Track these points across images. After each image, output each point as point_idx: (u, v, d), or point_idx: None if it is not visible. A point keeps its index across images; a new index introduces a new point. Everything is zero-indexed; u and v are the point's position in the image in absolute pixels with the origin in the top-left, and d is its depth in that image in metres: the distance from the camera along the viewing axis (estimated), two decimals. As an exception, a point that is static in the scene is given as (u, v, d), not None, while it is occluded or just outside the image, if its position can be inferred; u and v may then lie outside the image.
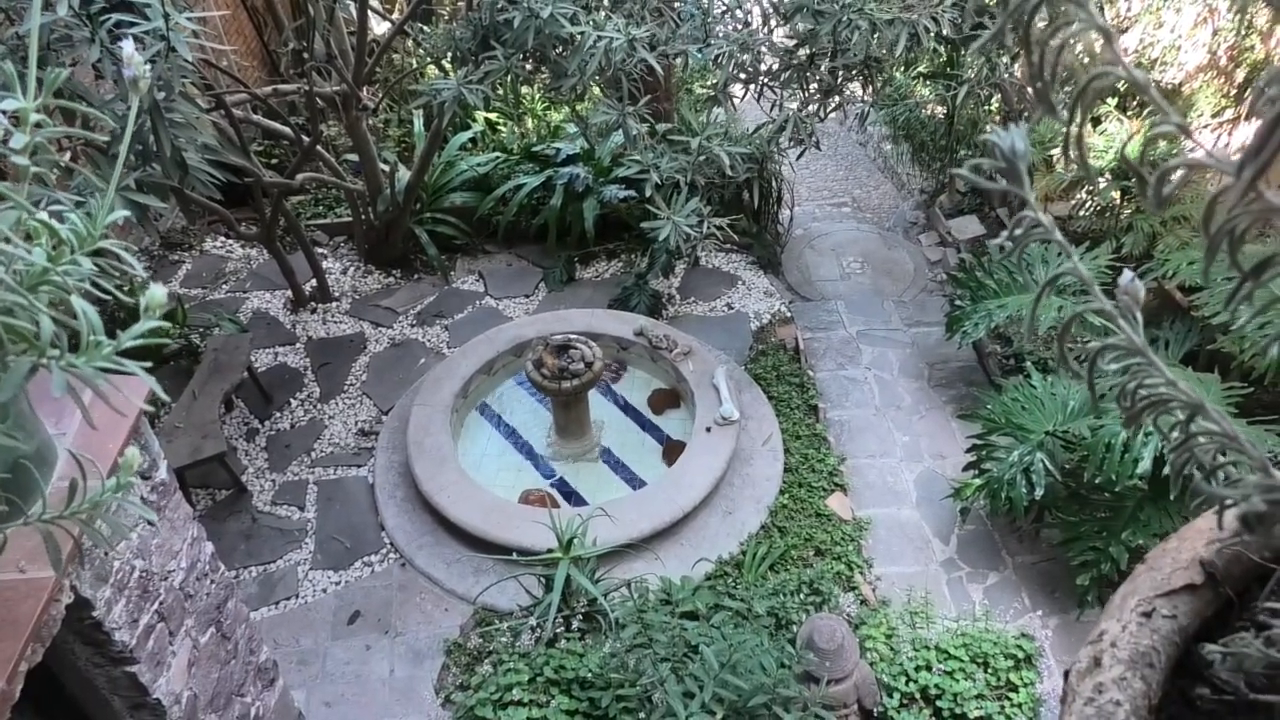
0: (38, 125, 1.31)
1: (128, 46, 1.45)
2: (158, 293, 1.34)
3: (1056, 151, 7.53)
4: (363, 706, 5.46)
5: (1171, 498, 5.07)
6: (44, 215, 1.30)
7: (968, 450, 6.08)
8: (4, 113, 1.28)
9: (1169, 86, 7.49)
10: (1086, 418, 5.49)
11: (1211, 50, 7.04)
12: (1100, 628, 1.29)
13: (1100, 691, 1.15)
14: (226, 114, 6.49)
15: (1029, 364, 6.70)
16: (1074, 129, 0.70)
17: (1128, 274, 0.82)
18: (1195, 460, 0.86)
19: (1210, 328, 5.79)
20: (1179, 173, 0.69)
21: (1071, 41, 0.66)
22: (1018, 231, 0.79)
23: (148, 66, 1.47)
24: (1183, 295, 6.34)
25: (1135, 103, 7.64)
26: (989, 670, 5.23)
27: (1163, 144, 7.21)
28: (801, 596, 5.66)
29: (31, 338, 1.25)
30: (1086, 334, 5.93)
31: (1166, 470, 4.98)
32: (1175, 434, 0.86)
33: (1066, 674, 1.30)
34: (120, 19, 3.51)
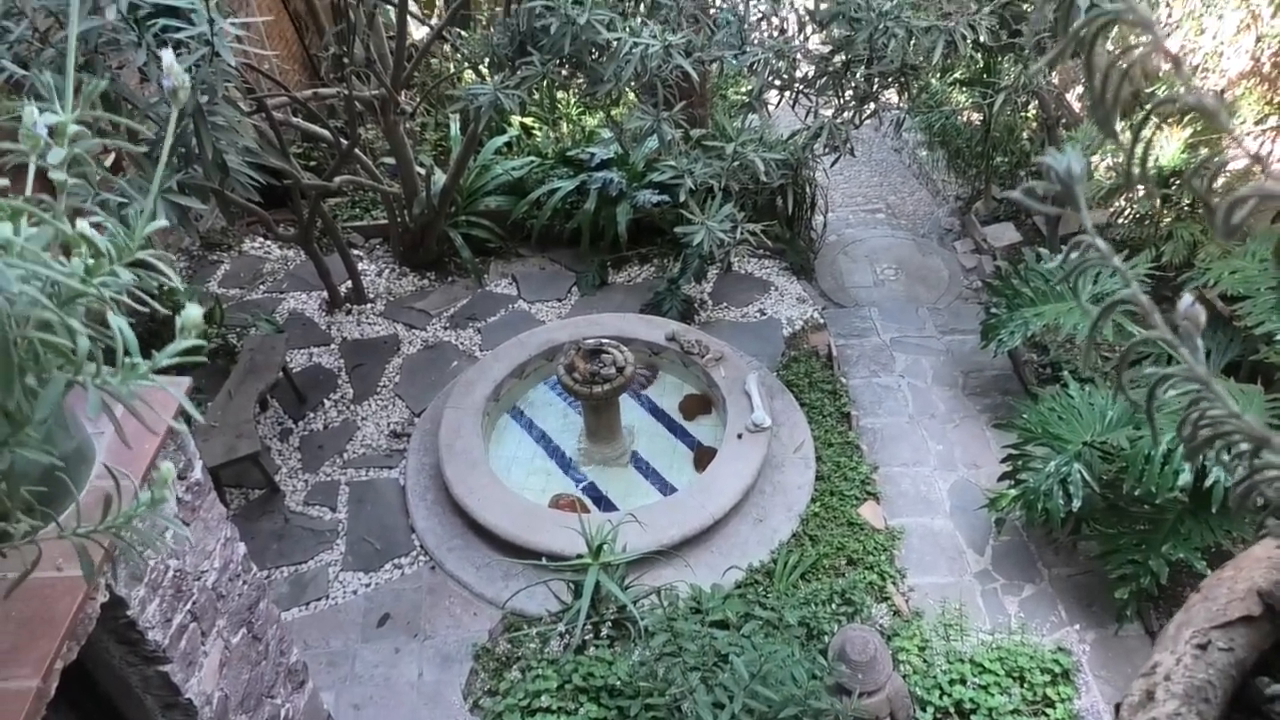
0: (75, 138, 1.31)
1: (168, 56, 1.45)
2: (194, 313, 1.35)
3: (1095, 159, 7.41)
4: (391, 710, 5.48)
5: (1213, 511, 4.96)
6: (85, 225, 1.31)
7: (1003, 460, 6.00)
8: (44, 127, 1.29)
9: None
10: (1125, 428, 5.40)
11: (1255, 57, 6.91)
12: (1153, 659, 1.24)
13: (1154, 728, 1.11)
14: (267, 117, 6.56)
15: (1066, 373, 6.60)
16: (1137, 153, 0.67)
17: (1188, 298, 0.79)
18: (1261, 495, 0.83)
19: (1253, 338, 5.68)
20: (1251, 203, 0.66)
21: (1133, 65, 0.64)
22: (1073, 255, 0.77)
23: (187, 77, 1.46)
24: (1225, 304, 6.23)
25: (1176, 109, 7.51)
26: (1025, 685, 5.15)
27: (1204, 150, 7.10)
28: (833, 606, 5.61)
29: (69, 353, 1.26)
30: (1120, 340, 5.83)
31: (1209, 483, 4.89)
32: (1240, 466, 0.82)
33: (1117, 707, 1.25)
34: (166, 24, 3.55)
